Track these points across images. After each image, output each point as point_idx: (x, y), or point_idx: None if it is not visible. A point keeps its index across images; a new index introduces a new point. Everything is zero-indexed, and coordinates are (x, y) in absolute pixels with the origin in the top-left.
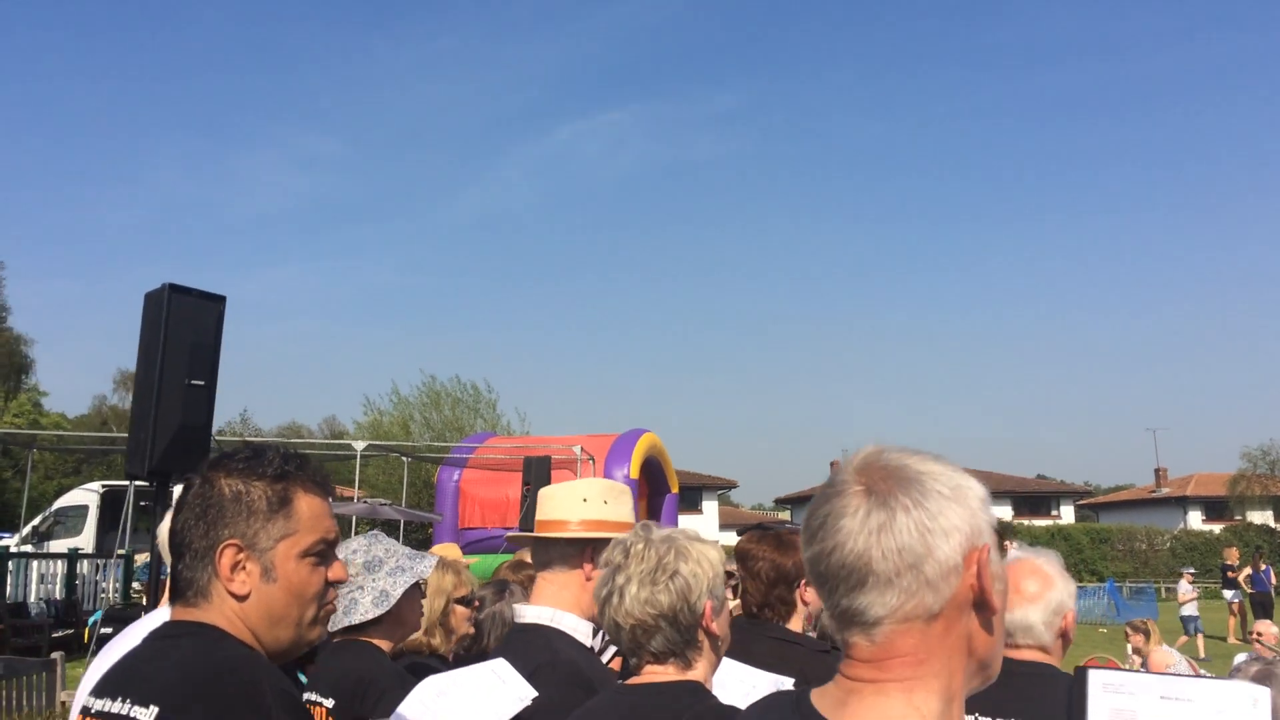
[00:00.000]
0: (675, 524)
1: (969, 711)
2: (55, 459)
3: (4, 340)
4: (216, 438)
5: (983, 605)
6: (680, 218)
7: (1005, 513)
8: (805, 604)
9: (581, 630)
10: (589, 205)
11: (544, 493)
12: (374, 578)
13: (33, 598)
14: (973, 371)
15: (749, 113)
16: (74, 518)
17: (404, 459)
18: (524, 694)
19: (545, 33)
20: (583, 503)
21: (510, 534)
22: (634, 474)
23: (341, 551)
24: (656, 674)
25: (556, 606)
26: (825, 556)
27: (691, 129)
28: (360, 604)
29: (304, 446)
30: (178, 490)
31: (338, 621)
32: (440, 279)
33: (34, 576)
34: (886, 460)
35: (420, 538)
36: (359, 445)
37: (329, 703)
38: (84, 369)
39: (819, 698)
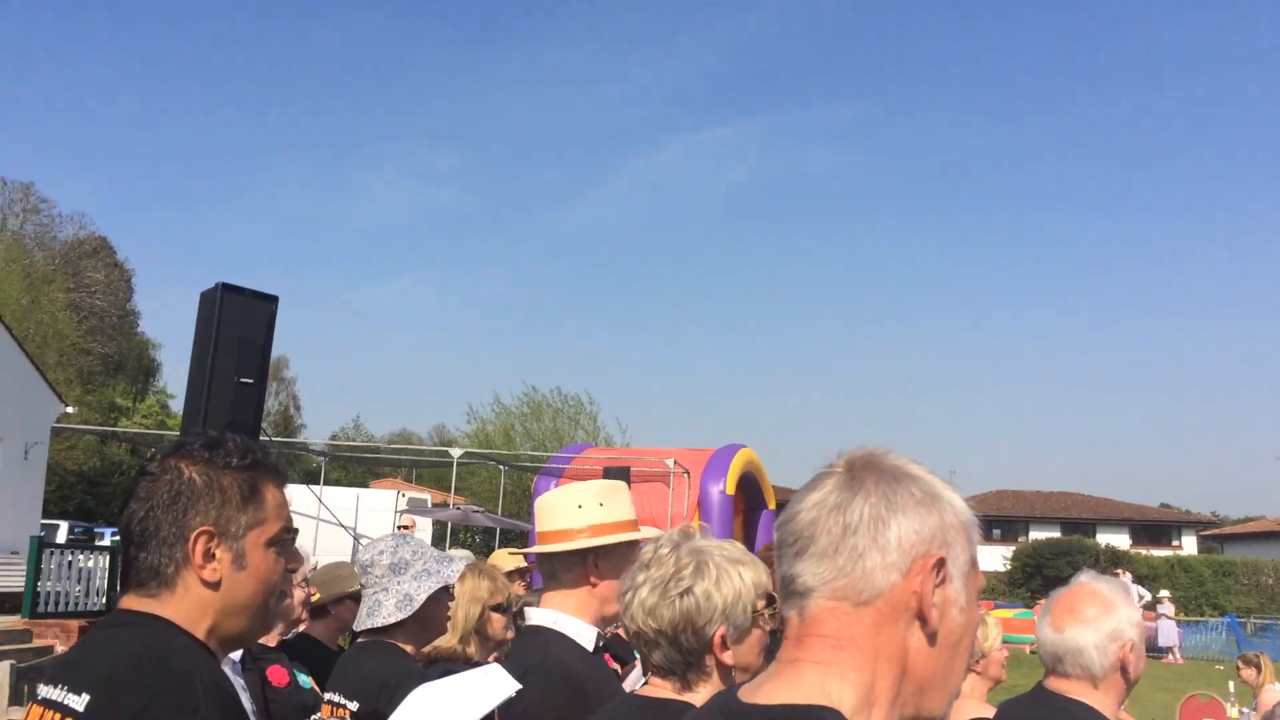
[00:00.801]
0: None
1: None
2: None
3: (135, 345)
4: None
5: (923, 619)
6: (788, 232)
7: (1122, 541)
8: None
9: (584, 635)
10: (698, 218)
11: (540, 503)
12: (399, 580)
13: None
14: (1095, 395)
15: (865, 124)
16: None
17: (501, 467)
18: (509, 688)
19: (659, 46)
20: (578, 509)
21: (512, 550)
22: (730, 490)
23: (368, 552)
24: (655, 689)
25: (561, 611)
26: (784, 524)
27: (804, 141)
28: (384, 606)
29: (406, 453)
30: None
31: (361, 623)
32: (549, 290)
33: None
34: (881, 456)
35: (520, 545)
36: (455, 453)
37: (353, 705)
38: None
39: (747, 687)
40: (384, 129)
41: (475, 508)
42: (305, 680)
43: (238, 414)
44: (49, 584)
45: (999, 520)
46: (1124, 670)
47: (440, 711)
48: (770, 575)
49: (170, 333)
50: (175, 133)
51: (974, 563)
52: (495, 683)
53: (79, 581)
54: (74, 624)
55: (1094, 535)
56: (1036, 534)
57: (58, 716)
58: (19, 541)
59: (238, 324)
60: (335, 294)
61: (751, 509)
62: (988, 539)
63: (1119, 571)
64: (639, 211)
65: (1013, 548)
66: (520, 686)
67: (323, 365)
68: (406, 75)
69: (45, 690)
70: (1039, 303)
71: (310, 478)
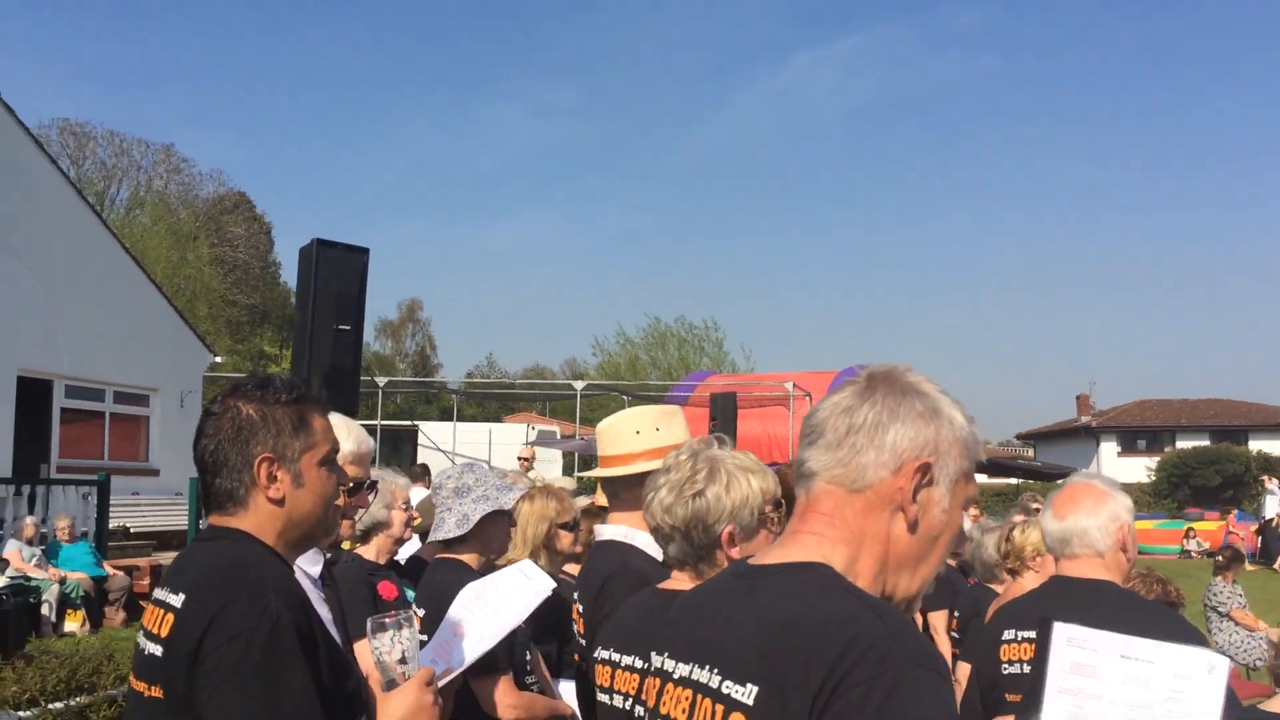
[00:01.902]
0: None
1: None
2: None
3: (278, 295)
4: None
5: (905, 512)
6: (916, 146)
7: (1277, 447)
8: None
9: (653, 546)
10: (821, 137)
11: (600, 429)
12: (460, 502)
13: None
14: (1247, 291)
15: (995, 28)
16: None
17: (624, 398)
18: (545, 587)
19: None
20: (636, 435)
21: (581, 474)
22: None
23: (439, 478)
24: (675, 581)
25: (629, 525)
26: (807, 418)
27: (930, 50)
28: (446, 524)
29: (537, 388)
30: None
31: (432, 535)
32: (672, 221)
33: None
34: (900, 373)
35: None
36: (579, 385)
37: (421, 612)
38: None
39: (757, 555)
40: (504, 66)
41: None
42: (411, 594)
43: (338, 357)
44: None
45: (1143, 431)
46: (1124, 550)
47: (487, 607)
48: (778, 483)
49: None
50: (302, 85)
51: (965, 474)
52: (533, 581)
53: None
54: None
55: (1245, 442)
56: (1184, 443)
57: (162, 612)
58: (181, 483)
59: (333, 276)
60: (466, 234)
61: None
62: (1131, 450)
63: (1266, 479)
64: (761, 134)
65: (1157, 458)
66: (554, 584)
67: (457, 305)
68: (523, 8)
69: (158, 592)
70: (1176, 207)
71: (446, 414)
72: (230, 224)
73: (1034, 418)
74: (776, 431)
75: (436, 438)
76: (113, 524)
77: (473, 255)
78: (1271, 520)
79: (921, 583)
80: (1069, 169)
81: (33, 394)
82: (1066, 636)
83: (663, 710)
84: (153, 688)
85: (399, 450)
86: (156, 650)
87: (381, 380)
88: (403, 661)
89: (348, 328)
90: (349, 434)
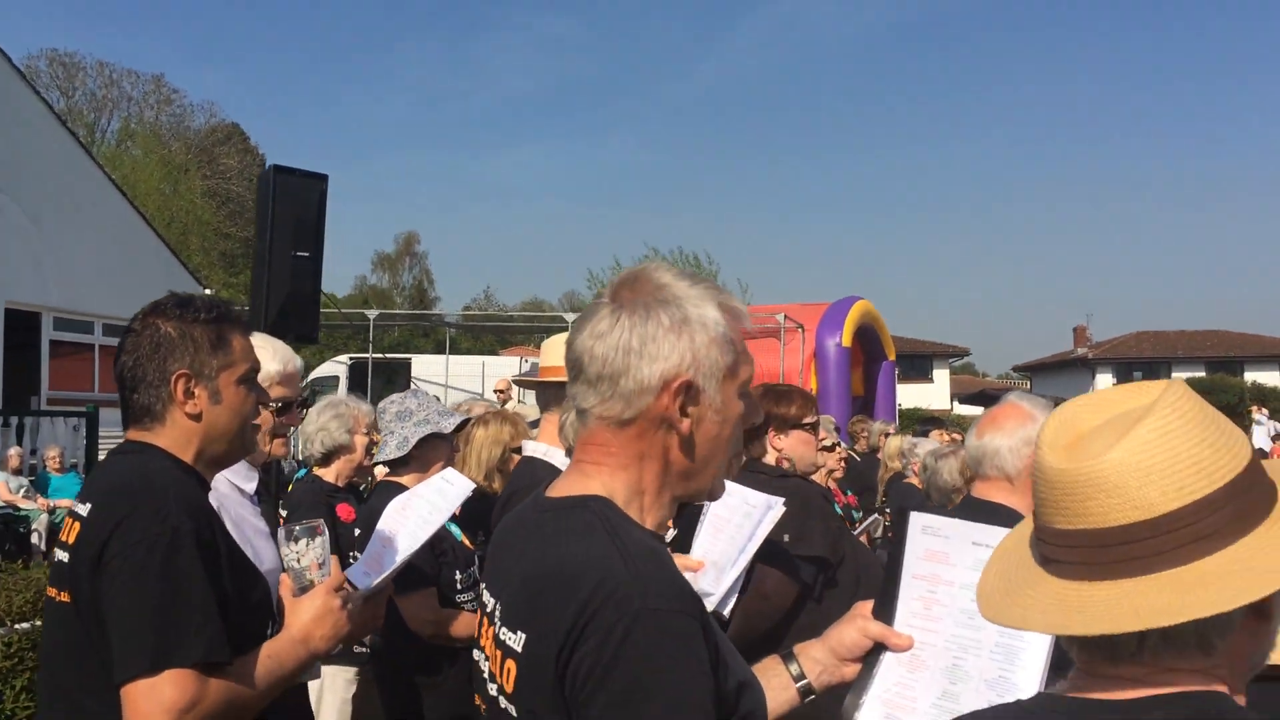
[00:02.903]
0: (894, 393)
1: None
2: (325, 335)
3: None
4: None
5: (678, 428)
6: (916, 77)
7: (1272, 378)
8: (776, 449)
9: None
10: (822, 66)
11: (545, 344)
12: (402, 426)
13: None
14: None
15: None
16: (328, 387)
17: None
18: (465, 488)
19: None
20: None
21: (517, 378)
22: (846, 342)
23: (383, 402)
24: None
25: (551, 444)
26: (568, 348)
27: None
28: (387, 447)
29: (530, 321)
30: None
31: (377, 458)
32: (672, 155)
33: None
34: (643, 280)
35: None
36: (569, 317)
37: (358, 532)
38: (350, 253)
39: (551, 485)
40: None
41: None
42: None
43: (297, 284)
44: None
45: (1139, 363)
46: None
47: (413, 516)
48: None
49: None
50: (298, 16)
51: (731, 367)
52: (454, 486)
53: None
54: None
55: (1241, 373)
56: (1179, 374)
57: (72, 521)
58: None
59: (292, 203)
60: (463, 167)
61: (872, 360)
62: (1126, 382)
63: (1255, 409)
64: (763, 64)
65: None
66: (473, 485)
67: (455, 238)
68: None
69: (75, 504)
70: (1179, 134)
71: (441, 348)
72: (223, 155)
73: (1032, 350)
74: (768, 364)
75: (430, 371)
76: (101, 455)
77: (473, 189)
78: (1260, 450)
79: (713, 478)
80: (1065, 93)
81: (22, 327)
82: (921, 525)
83: (484, 648)
84: (62, 593)
85: (392, 383)
86: (64, 557)
87: (372, 313)
88: (318, 568)
89: (306, 254)
90: (274, 354)
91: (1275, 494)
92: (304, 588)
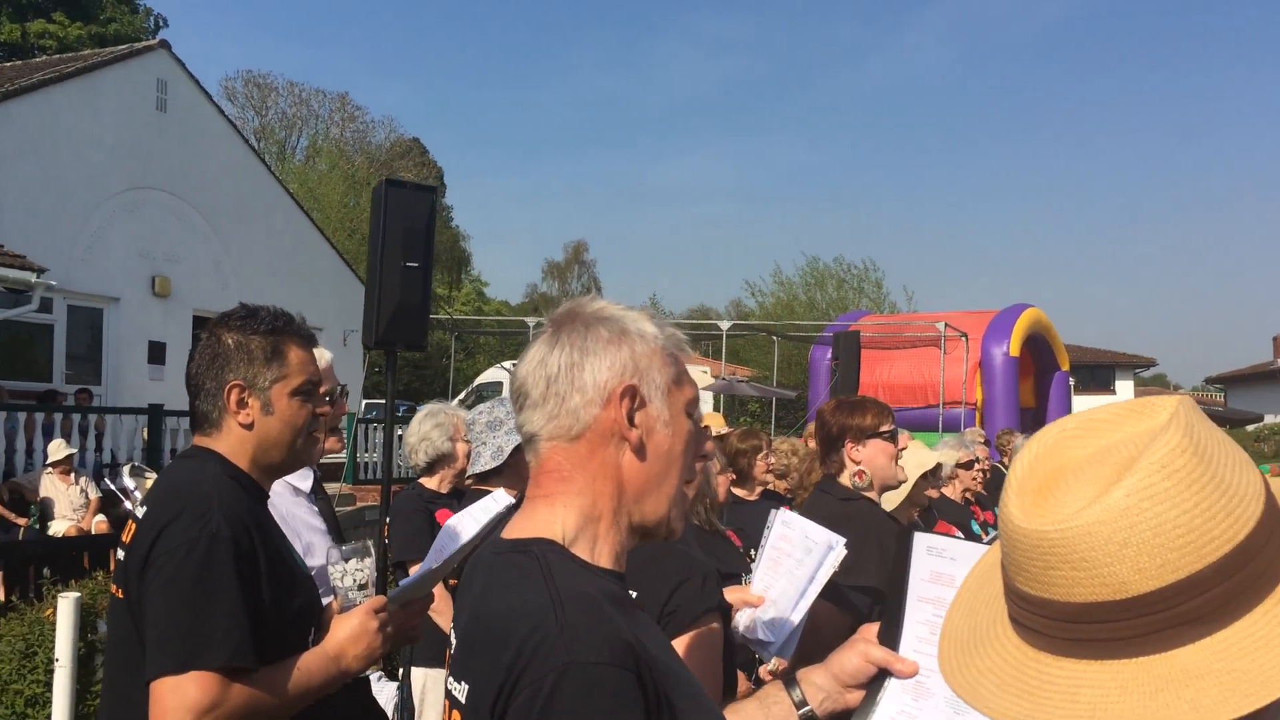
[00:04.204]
0: (1067, 405)
1: None
2: (497, 341)
3: (448, 237)
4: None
5: (628, 439)
6: (1095, 69)
7: None
8: (855, 462)
9: None
10: (995, 65)
11: None
12: (494, 436)
13: None
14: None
15: None
16: (491, 391)
17: (774, 339)
18: (504, 505)
19: None
20: None
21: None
22: (1014, 351)
23: (472, 414)
24: None
25: None
26: (512, 381)
27: None
28: (481, 457)
29: (695, 329)
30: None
31: (470, 470)
32: (835, 157)
33: None
34: (581, 308)
35: (789, 420)
36: (724, 325)
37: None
38: (520, 261)
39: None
40: (674, 1)
41: (741, 378)
42: None
43: (406, 294)
44: (367, 455)
45: None
46: None
47: (460, 533)
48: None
49: (478, 225)
50: (473, 30)
51: (675, 380)
52: (498, 503)
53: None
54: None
55: None
56: None
57: (132, 523)
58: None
59: (402, 215)
60: (633, 172)
61: (1044, 371)
62: None
63: None
64: (932, 64)
65: None
66: (512, 501)
67: (623, 245)
68: None
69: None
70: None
71: None
72: (403, 169)
73: (1227, 360)
74: (927, 374)
75: None
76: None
77: (642, 195)
78: None
79: (669, 501)
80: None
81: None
82: (926, 545)
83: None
84: (118, 589)
85: None
86: (122, 556)
87: (531, 321)
88: (361, 588)
89: (415, 264)
90: None
91: None
92: (347, 606)
